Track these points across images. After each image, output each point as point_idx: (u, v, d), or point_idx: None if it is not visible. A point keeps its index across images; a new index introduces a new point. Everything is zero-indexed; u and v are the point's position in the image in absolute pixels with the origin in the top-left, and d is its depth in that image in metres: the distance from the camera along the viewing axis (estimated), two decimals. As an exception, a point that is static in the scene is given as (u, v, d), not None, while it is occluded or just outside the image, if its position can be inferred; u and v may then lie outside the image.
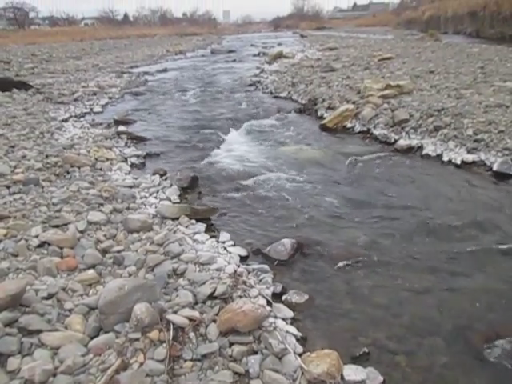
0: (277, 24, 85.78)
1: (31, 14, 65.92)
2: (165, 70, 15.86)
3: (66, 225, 3.23)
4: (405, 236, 3.41)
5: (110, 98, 10.02)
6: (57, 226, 3.19)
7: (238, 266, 2.91)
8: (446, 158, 5.18)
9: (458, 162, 5.02)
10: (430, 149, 5.46)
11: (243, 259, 3.12)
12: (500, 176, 4.57)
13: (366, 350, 2.22)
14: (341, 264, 3.01)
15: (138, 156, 5.48)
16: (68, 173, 4.53)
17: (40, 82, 11.64)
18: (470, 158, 5.02)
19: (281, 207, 4.01)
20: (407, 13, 47.94)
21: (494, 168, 4.71)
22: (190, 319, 2.20)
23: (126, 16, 76.38)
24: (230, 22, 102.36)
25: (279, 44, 29.16)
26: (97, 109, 8.79)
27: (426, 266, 2.99)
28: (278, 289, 2.72)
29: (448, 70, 9.70)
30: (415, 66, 10.86)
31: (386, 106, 6.82)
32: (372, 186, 4.50)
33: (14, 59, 17.58)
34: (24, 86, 10.37)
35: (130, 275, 2.65)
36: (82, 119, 7.68)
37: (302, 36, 40.78)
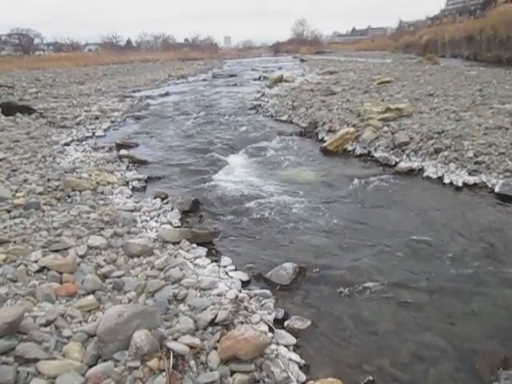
0: (277, 49, 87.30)
1: (36, 40, 67.23)
2: (167, 94, 16.05)
3: (66, 249, 3.21)
4: (407, 259, 3.38)
5: (112, 121, 10.10)
6: (57, 251, 3.17)
7: (240, 291, 2.87)
8: (447, 180, 5.18)
9: (460, 184, 5.02)
10: (430, 171, 5.46)
11: (245, 284, 3.08)
12: (502, 198, 4.55)
13: (370, 378, 2.17)
14: (343, 288, 2.97)
15: (139, 179, 5.49)
16: (69, 196, 4.53)
17: (43, 106, 11.79)
18: (471, 180, 5.02)
19: (282, 231, 3.99)
20: (405, 37, 48.82)
21: (496, 190, 4.70)
22: (191, 347, 2.16)
23: (129, 42, 77.84)
24: (231, 47, 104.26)
25: (279, 68, 29.58)
26: (99, 133, 8.85)
27: (430, 289, 2.95)
28: (280, 314, 2.68)
29: (447, 93, 9.79)
30: (414, 88, 10.98)
31: (386, 128, 6.86)
32: (373, 209, 4.48)
33: (18, 84, 17.84)
34: (27, 110, 10.50)
35: (130, 301, 2.62)
36: (84, 143, 7.73)
37: (301, 60, 41.41)
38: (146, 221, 4.14)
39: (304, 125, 8.70)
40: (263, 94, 13.96)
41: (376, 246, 3.62)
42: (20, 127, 8.72)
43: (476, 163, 5.24)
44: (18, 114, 10.00)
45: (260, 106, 11.61)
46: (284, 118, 9.76)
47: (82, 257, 3.13)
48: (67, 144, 7.49)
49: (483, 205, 4.47)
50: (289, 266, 3.16)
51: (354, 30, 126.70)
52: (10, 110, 10.32)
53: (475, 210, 4.34)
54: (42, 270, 2.89)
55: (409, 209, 4.45)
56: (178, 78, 24.35)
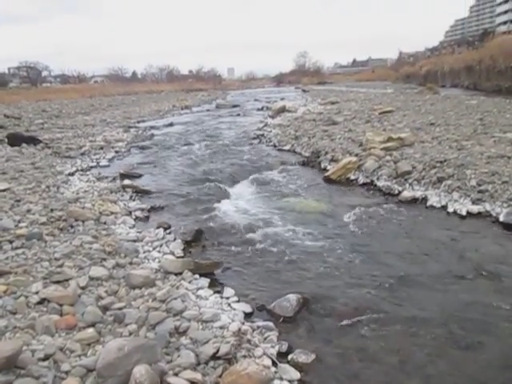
0: (279, 79, 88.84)
1: (44, 73, 68.90)
2: (171, 125, 16.26)
3: (67, 280, 3.18)
4: (412, 291, 3.32)
5: (116, 151, 10.22)
6: (58, 282, 3.15)
7: (243, 324, 2.82)
8: (451, 209, 5.15)
9: (464, 213, 4.99)
10: (434, 200, 5.44)
11: (247, 316, 3.03)
12: (507, 227, 4.51)
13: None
14: (348, 321, 2.91)
15: (142, 209, 5.49)
16: (72, 227, 4.53)
17: (49, 136, 11.96)
18: (475, 208, 4.99)
19: (285, 261, 3.95)
20: (405, 68, 49.71)
21: (501, 219, 4.67)
22: (192, 382, 2.10)
23: (134, 73, 79.57)
24: (235, 78, 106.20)
25: (282, 98, 30.00)
26: (103, 162, 8.94)
27: (436, 321, 2.89)
28: (284, 348, 2.62)
29: (448, 122, 9.87)
30: (415, 118, 11.08)
31: (388, 158, 6.89)
32: (377, 239, 4.44)
33: (25, 115, 18.16)
34: (33, 140, 10.65)
35: (130, 334, 2.57)
36: (88, 173, 7.79)
37: (304, 91, 42.03)
38: (149, 251, 4.12)
39: (307, 154, 8.76)
40: (266, 124, 14.14)
41: (381, 277, 3.56)
42: (25, 157, 8.82)
43: (479, 192, 5.22)
44: (24, 145, 10.14)
45: (263, 135, 11.73)
46: (287, 147, 9.84)
47: (83, 288, 3.10)
48: (71, 174, 7.55)
49: (488, 234, 4.43)
50: (292, 298, 3.12)
51: (354, 61, 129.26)
52: (16, 140, 10.48)
53: (480, 240, 4.30)
54: (42, 301, 2.86)
55: (413, 239, 4.41)
56: (182, 109, 24.74)
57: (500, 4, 69.41)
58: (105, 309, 2.85)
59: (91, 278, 3.25)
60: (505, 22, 63.62)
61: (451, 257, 3.94)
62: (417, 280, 3.49)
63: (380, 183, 6.29)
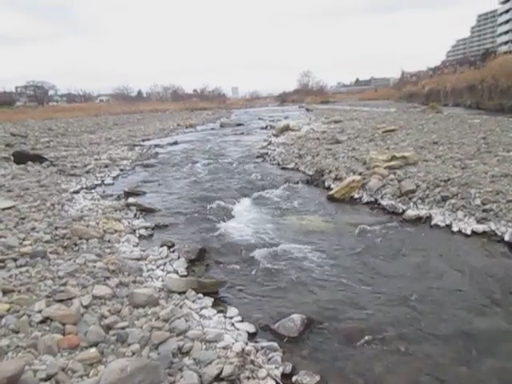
0: (283, 98, 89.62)
1: (51, 92, 69.99)
2: (175, 143, 16.38)
3: (70, 299, 3.16)
4: (417, 310, 3.29)
5: (121, 170, 10.28)
6: (61, 301, 3.13)
7: (246, 344, 2.80)
8: (455, 228, 5.13)
9: (468, 233, 4.96)
10: (438, 219, 5.42)
11: (251, 336, 3.00)
12: (512, 246, 4.49)
13: None
14: (353, 341, 2.88)
15: (146, 227, 5.49)
16: (76, 245, 4.53)
17: (54, 154, 12.06)
18: (480, 228, 4.97)
19: (289, 280, 3.92)
20: (408, 87, 50.03)
21: (506, 238, 4.63)
22: (195, 404, 2.07)
23: (139, 93, 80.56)
24: (239, 97, 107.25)
25: (286, 117, 30.25)
26: (108, 181, 8.98)
27: (442, 343, 2.85)
28: (288, 369, 2.59)
29: (451, 141, 9.89)
30: (419, 137, 11.11)
31: (392, 176, 6.90)
32: (382, 259, 4.42)
33: (31, 133, 18.34)
34: (39, 158, 10.74)
35: (133, 354, 2.55)
36: (92, 191, 7.83)
37: (307, 109, 42.36)
38: (152, 269, 4.11)
39: (310, 173, 8.78)
40: (270, 143, 14.23)
41: (386, 297, 3.53)
42: (31, 175, 8.89)
43: (484, 211, 5.20)
44: (30, 163, 10.23)
45: (267, 154, 11.79)
46: (291, 165, 9.87)
47: (86, 307, 3.08)
48: (76, 192, 7.58)
49: (493, 254, 4.39)
50: (296, 318, 3.09)
51: (357, 80, 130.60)
52: (21, 158, 10.57)
53: (485, 260, 4.27)
54: (45, 320, 2.84)
55: (418, 258, 4.38)
56: (186, 128, 24.94)
57: (501, 24, 70.32)
58: (108, 328, 2.83)
59: (94, 297, 3.24)
60: (506, 42, 64.37)
61: (456, 277, 3.91)
62: (422, 300, 3.45)
63: (384, 202, 6.29)
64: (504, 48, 56.61)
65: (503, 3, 70.17)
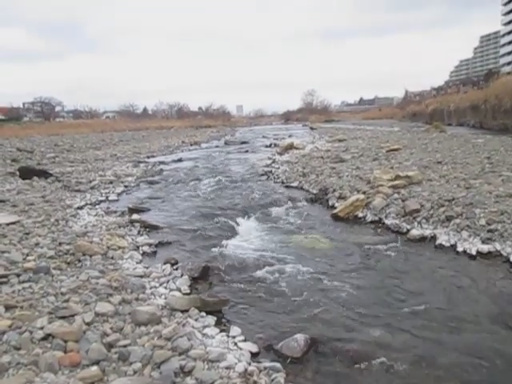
0: (287, 117, 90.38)
1: (57, 108, 70.82)
2: (180, 160, 16.47)
3: (72, 316, 3.15)
4: (422, 332, 3.24)
5: (125, 186, 10.31)
6: (63, 317, 3.11)
7: (249, 364, 2.76)
8: (460, 249, 5.09)
9: (474, 253, 4.93)
10: (443, 239, 5.39)
11: (254, 355, 2.97)
12: (518, 268, 4.44)
13: None
14: (357, 363, 2.84)
15: (150, 244, 5.49)
16: (79, 261, 4.53)
17: (59, 170, 12.15)
18: (485, 248, 4.93)
19: (293, 300, 3.89)
20: (412, 106, 50.41)
21: (512, 259, 4.60)
22: (197, 425, 2.04)
23: (145, 110, 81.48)
24: (243, 115, 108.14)
25: (290, 136, 30.43)
26: (112, 197, 9.00)
27: (449, 365, 2.80)
28: (291, 390, 2.55)
29: (455, 161, 9.90)
30: (423, 156, 11.13)
31: (396, 196, 6.89)
32: (386, 279, 4.38)
33: (38, 149, 18.52)
34: (44, 174, 10.83)
35: (135, 373, 2.52)
36: (97, 207, 7.85)
37: (311, 128, 42.62)
38: (155, 287, 4.09)
39: (314, 191, 8.78)
40: (274, 161, 14.28)
41: (391, 319, 3.49)
42: (36, 190, 8.94)
43: (489, 231, 5.17)
44: (35, 178, 10.30)
45: (271, 172, 11.82)
46: (295, 184, 9.88)
47: (88, 324, 3.06)
48: (80, 208, 7.61)
49: (499, 275, 4.35)
50: (300, 338, 3.05)
51: (361, 99, 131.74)
52: (27, 173, 10.66)
53: (491, 281, 4.22)
54: (46, 337, 2.82)
55: (423, 279, 4.34)
56: (191, 145, 25.11)
57: (504, 45, 71.08)
58: (110, 346, 2.80)
59: (97, 314, 3.22)
60: (509, 63, 64.94)
61: (461, 298, 3.87)
62: (428, 322, 3.41)
63: (388, 221, 6.27)
64: (507, 68, 57.07)
65: (506, 25, 71.13)
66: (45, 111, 64.03)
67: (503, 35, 72.17)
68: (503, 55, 70.61)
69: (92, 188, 9.64)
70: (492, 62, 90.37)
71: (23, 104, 69.92)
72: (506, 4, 70.49)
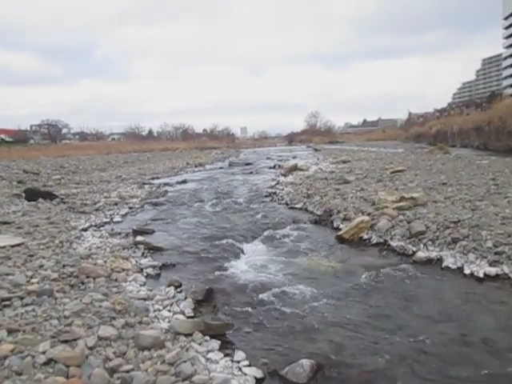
0: (291, 138, 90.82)
1: (64, 130, 71.68)
2: (184, 182, 16.52)
3: (75, 340, 3.11)
4: (429, 358, 3.18)
5: (130, 208, 10.32)
6: (66, 342, 3.07)
7: (254, 390, 2.71)
8: (467, 271, 5.03)
9: (481, 276, 4.86)
10: (449, 261, 5.33)
11: (259, 381, 2.92)
12: (527, 291, 4.37)
13: None
14: (365, 389, 2.77)
15: (153, 266, 5.46)
16: (83, 283, 4.51)
17: (65, 192, 12.22)
18: (492, 271, 4.87)
19: (298, 323, 3.84)
20: (415, 128, 50.66)
21: (520, 282, 4.54)
22: None
23: (150, 132, 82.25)
24: (247, 137, 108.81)
25: (294, 157, 30.53)
26: (117, 219, 9.01)
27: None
28: (297, 418, 2.49)
29: (460, 182, 9.87)
30: (427, 178, 11.12)
31: (401, 217, 6.86)
32: (392, 303, 4.32)
33: (44, 170, 18.67)
34: (49, 195, 10.89)
35: (137, 399, 2.48)
36: (101, 229, 7.85)
37: (315, 149, 42.83)
38: (159, 310, 4.05)
39: (319, 213, 8.76)
40: (278, 182, 14.29)
41: (396, 343, 3.43)
42: (41, 212, 8.97)
43: (496, 254, 5.11)
44: (41, 200, 10.35)
45: (275, 193, 11.82)
46: (299, 205, 9.86)
47: (91, 348, 3.03)
48: (85, 229, 7.61)
49: (508, 299, 4.28)
50: (306, 363, 3.00)
51: (365, 121, 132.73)
52: (32, 195, 10.73)
53: (500, 305, 4.15)
54: (49, 362, 2.78)
55: (430, 303, 4.27)
56: (195, 166, 25.21)
57: (506, 68, 71.85)
58: (112, 371, 2.76)
59: (100, 338, 3.18)
60: (511, 85, 65.46)
61: (470, 323, 3.80)
62: (435, 348, 3.35)
63: (394, 243, 6.22)
64: (510, 90, 57.49)
65: (507, 48, 72.10)
66: (51, 133, 64.77)
67: (505, 58, 73.07)
68: (506, 77, 71.28)
69: (97, 210, 9.66)
70: (495, 84, 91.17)
71: (30, 126, 70.85)
72: (507, 28, 71.68)
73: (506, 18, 71.31)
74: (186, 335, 3.42)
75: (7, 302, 3.71)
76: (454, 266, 5.22)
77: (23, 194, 11.03)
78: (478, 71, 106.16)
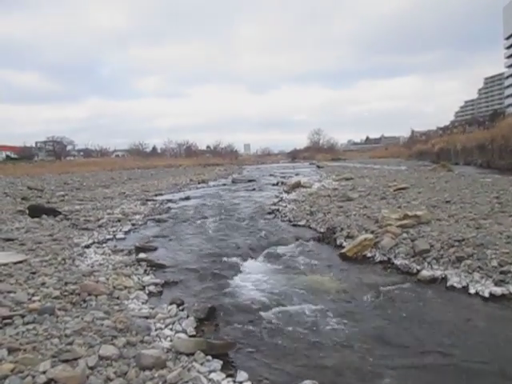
0: (294, 155, 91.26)
1: (68, 147, 72.36)
2: (187, 198, 16.52)
3: (76, 359, 3.08)
4: (434, 380, 3.12)
5: (133, 224, 10.31)
6: (66, 361, 3.05)
7: (256, 413, 2.66)
8: (472, 291, 4.97)
9: (487, 295, 4.80)
10: (454, 280, 5.28)
11: (261, 403, 2.86)
12: (533, 311, 4.31)
13: None
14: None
15: (156, 284, 5.43)
16: (85, 301, 4.48)
17: (68, 208, 12.24)
18: (498, 290, 4.81)
19: (301, 343, 3.79)
20: (418, 145, 50.80)
21: (526, 302, 4.48)
22: None
23: (154, 148, 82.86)
24: (250, 154, 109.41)
25: (297, 174, 30.58)
26: (120, 235, 8.99)
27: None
28: None
29: (464, 200, 9.84)
30: (431, 195, 11.09)
31: (405, 235, 6.82)
32: (396, 322, 4.27)
33: (48, 187, 18.76)
34: (53, 212, 10.91)
35: (137, 421, 2.43)
36: (104, 245, 7.83)
37: (318, 167, 42.91)
38: (161, 328, 4.01)
39: (322, 230, 8.73)
40: (281, 199, 14.29)
41: (401, 365, 3.38)
42: (44, 229, 8.97)
43: (501, 273, 5.06)
44: (44, 216, 10.37)
45: (278, 210, 11.80)
46: (302, 222, 9.83)
47: (91, 368, 2.99)
48: (88, 246, 7.60)
49: (514, 318, 4.22)
50: (309, 385, 2.95)
51: (367, 138, 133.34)
52: (36, 212, 10.75)
53: (506, 326, 4.10)
54: (49, 382, 2.75)
55: (435, 323, 4.22)
56: (199, 183, 25.25)
57: (508, 87, 72.39)
58: (113, 392, 2.73)
59: (101, 358, 3.15)
60: (513, 104, 65.90)
61: (477, 345, 3.74)
62: (440, 371, 3.29)
63: (397, 261, 6.17)
64: (512, 109, 57.86)
65: (509, 67, 72.75)
66: (56, 150, 65.39)
67: (507, 77, 73.73)
68: (508, 96, 71.79)
69: (100, 226, 9.66)
70: (497, 102, 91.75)
71: (36, 143, 71.57)
72: (508, 48, 72.51)
73: (508, 38, 72.20)
74: (188, 355, 3.38)
75: (8, 321, 3.69)
76: (459, 286, 5.16)
77: (27, 211, 11.06)
78: (480, 90, 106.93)
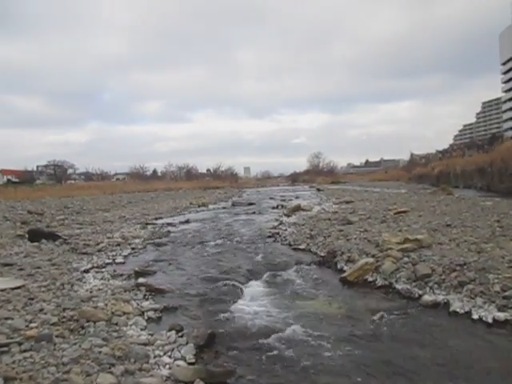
0: (294, 178, 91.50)
1: (69, 171, 72.70)
2: (187, 222, 16.49)
3: (72, 389, 3.02)
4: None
5: (132, 248, 10.27)
6: (63, 390, 2.99)
7: None
8: (475, 316, 4.91)
9: (490, 321, 4.74)
10: (457, 305, 5.22)
11: (262, 434, 2.79)
12: (538, 337, 4.25)
13: None
14: None
15: (155, 310, 5.37)
16: (83, 328, 4.43)
17: (68, 232, 12.21)
18: (501, 316, 4.75)
19: (302, 370, 3.73)
20: (418, 169, 50.99)
21: (530, 328, 4.41)
22: None
23: (154, 172, 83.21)
24: (250, 177, 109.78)
25: (297, 197, 30.62)
26: (119, 259, 8.93)
27: None
28: None
29: (465, 224, 9.81)
30: (431, 219, 11.06)
31: (406, 259, 6.78)
32: (398, 348, 4.20)
33: (48, 211, 18.75)
34: (52, 236, 10.88)
35: None
36: (103, 270, 7.78)
37: (318, 190, 43.01)
38: (160, 356, 3.95)
39: (322, 254, 8.68)
40: (281, 223, 14.26)
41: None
42: (43, 253, 8.93)
43: (504, 298, 5.00)
44: (44, 241, 10.35)
45: (278, 234, 11.76)
46: (302, 246, 9.79)
47: (88, 398, 2.94)
48: (87, 271, 7.55)
49: (518, 345, 4.16)
50: (311, 414, 2.89)
51: (367, 161, 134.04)
52: (36, 236, 10.73)
53: (510, 352, 4.03)
54: (45, 412, 2.70)
55: (438, 350, 4.15)
56: (198, 206, 25.25)
57: (506, 111, 73.37)
58: (110, 422, 2.66)
59: (98, 387, 3.09)
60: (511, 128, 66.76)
61: (479, 372, 3.67)
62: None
63: (399, 286, 6.12)
64: (511, 133, 58.50)
65: (507, 92, 74.00)
66: (57, 174, 65.67)
67: (505, 101, 74.84)
68: (506, 120, 72.68)
69: (99, 250, 9.62)
70: (495, 126, 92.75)
71: (37, 167, 71.91)
72: (505, 73, 73.95)
73: (504, 63, 73.58)
74: (187, 383, 3.32)
75: (5, 348, 3.64)
76: (461, 311, 5.10)
77: (26, 235, 11.03)
78: (478, 114, 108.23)
